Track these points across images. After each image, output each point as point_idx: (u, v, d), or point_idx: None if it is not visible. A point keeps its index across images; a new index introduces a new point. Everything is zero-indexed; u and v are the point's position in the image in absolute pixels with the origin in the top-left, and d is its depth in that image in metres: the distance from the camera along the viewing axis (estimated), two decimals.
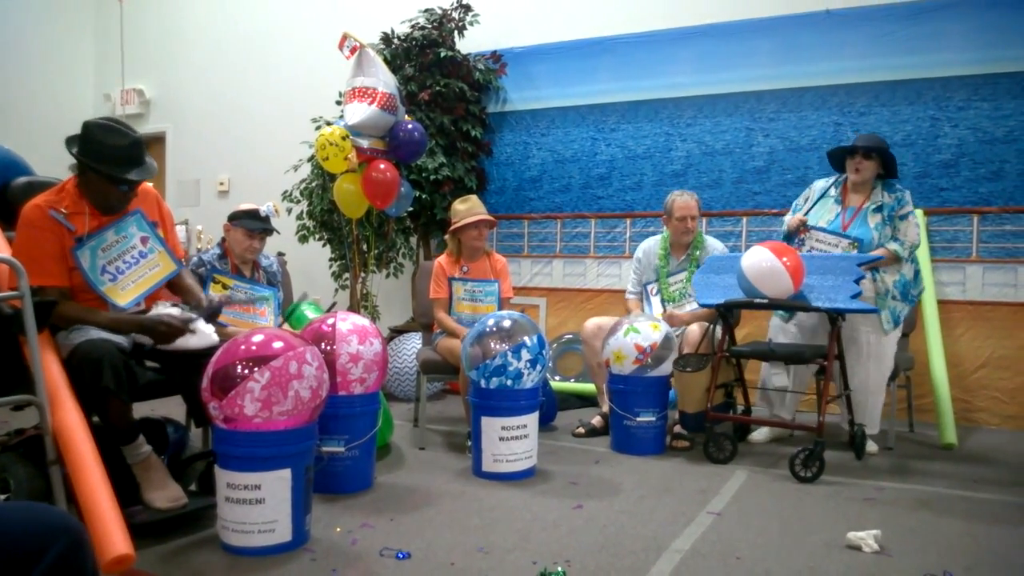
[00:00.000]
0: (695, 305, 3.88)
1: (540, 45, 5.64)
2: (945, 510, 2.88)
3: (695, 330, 3.79)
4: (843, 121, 4.80)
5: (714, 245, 4.08)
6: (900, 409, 4.18)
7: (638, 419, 3.61)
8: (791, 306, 3.49)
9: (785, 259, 3.36)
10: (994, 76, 4.49)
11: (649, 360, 3.60)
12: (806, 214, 3.79)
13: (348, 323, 2.97)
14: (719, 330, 3.69)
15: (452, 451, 3.67)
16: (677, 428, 3.80)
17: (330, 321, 2.97)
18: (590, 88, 5.50)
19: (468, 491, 3.03)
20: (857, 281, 3.40)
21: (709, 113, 5.15)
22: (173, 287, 2.86)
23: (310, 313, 3.62)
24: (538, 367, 3.19)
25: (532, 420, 3.23)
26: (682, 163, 5.23)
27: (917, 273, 3.70)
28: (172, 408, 3.06)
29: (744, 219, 5.02)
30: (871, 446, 3.70)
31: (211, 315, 2.76)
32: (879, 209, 3.66)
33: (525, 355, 3.15)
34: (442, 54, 5.31)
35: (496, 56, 5.68)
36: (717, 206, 5.08)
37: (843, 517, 2.74)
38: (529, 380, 3.16)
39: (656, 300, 4.08)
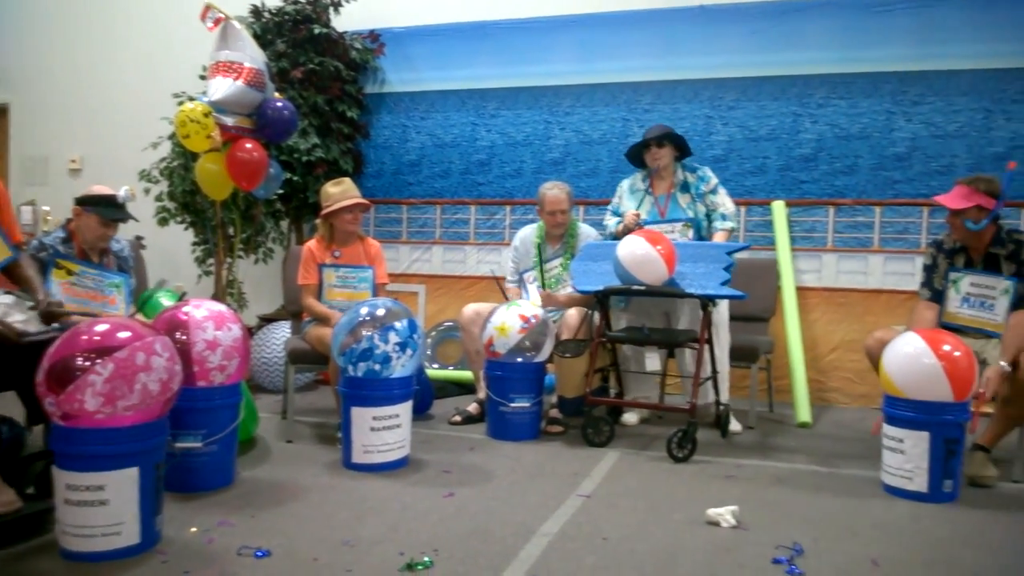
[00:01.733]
0: (569, 290, 3.94)
1: (420, 27, 5.54)
2: (799, 485, 3.04)
3: (574, 316, 3.83)
4: (713, 114, 4.97)
5: (587, 232, 4.13)
6: (761, 390, 4.38)
7: (513, 405, 3.61)
8: (664, 292, 3.58)
9: (659, 247, 3.44)
10: (851, 76, 4.75)
11: (535, 327, 3.62)
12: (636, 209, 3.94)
13: (203, 310, 2.81)
14: (596, 316, 3.75)
15: (322, 443, 3.56)
16: (552, 413, 3.84)
17: (185, 309, 2.80)
18: (471, 72, 5.45)
19: (337, 484, 2.94)
20: (727, 268, 3.53)
21: (587, 102, 5.21)
22: (10, 276, 2.62)
23: (166, 302, 3.41)
24: (408, 351, 3.11)
25: (405, 409, 3.16)
26: (561, 151, 5.27)
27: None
28: (8, 405, 2.81)
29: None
30: (735, 425, 3.87)
31: (48, 319, 2.55)
32: (685, 188, 3.89)
33: (393, 338, 3.07)
34: (316, 31, 5.12)
35: (374, 36, 5.53)
36: (595, 194, 5.15)
37: (706, 494, 2.84)
38: (399, 365, 3.09)
39: (533, 288, 4.10)
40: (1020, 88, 4.50)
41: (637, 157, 4.04)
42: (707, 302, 3.49)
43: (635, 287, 3.52)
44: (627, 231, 3.85)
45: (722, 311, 3.88)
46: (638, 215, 3.89)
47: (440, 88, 5.51)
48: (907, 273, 4.59)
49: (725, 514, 2.55)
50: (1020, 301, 3.16)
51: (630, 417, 4.01)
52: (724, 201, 3.91)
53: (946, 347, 2.84)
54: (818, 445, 3.71)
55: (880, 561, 2.27)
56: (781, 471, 3.23)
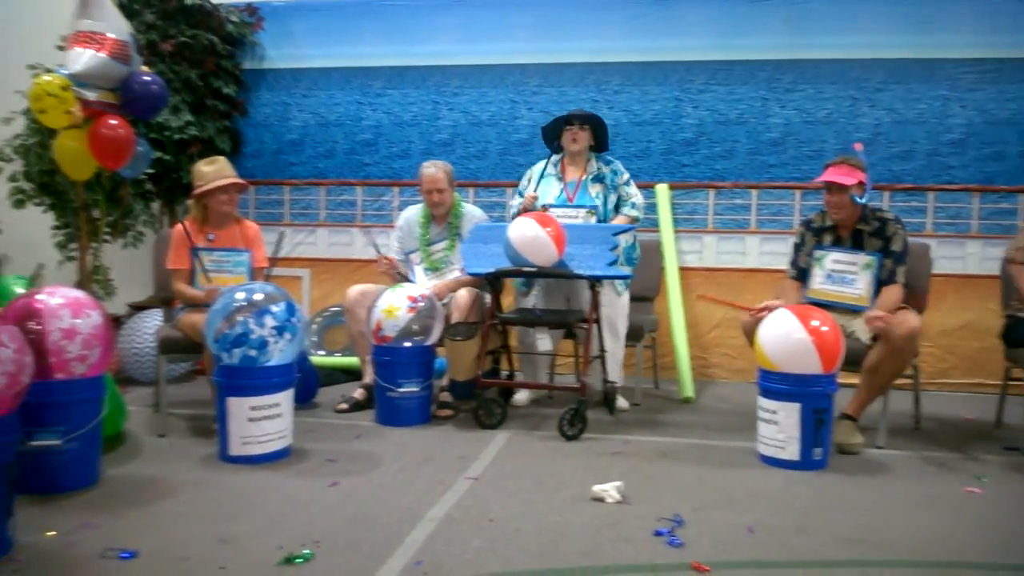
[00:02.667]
0: (457, 273, 3.91)
1: (301, 1, 5.33)
2: (681, 458, 3.13)
3: (464, 298, 3.79)
4: (599, 98, 5.02)
5: (473, 213, 4.10)
6: (646, 368, 4.50)
7: (401, 390, 3.55)
8: (555, 274, 3.60)
9: (549, 229, 3.46)
10: (729, 63, 4.91)
11: (423, 308, 3.58)
12: (537, 191, 3.93)
13: (58, 297, 2.60)
14: (487, 298, 3.74)
15: (197, 436, 3.39)
16: (443, 397, 3.80)
17: (39, 296, 2.59)
18: (356, 50, 5.30)
19: (213, 478, 2.81)
20: (613, 249, 3.58)
21: (475, 83, 5.17)
22: None
23: (19, 289, 3.15)
24: (287, 336, 2.99)
25: (286, 398, 3.05)
26: (450, 132, 5.21)
27: (635, 239, 3.99)
28: None
29: (510, 190, 5.09)
30: (622, 402, 3.95)
31: None
32: (598, 179, 3.91)
33: (270, 322, 2.94)
34: (188, 2, 4.84)
35: (252, 9, 5.29)
36: (484, 176, 5.12)
37: (592, 471, 2.88)
38: (277, 350, 2.96)
39: (419, 269, 4.04)
40: (882, 77, 4.77)
41: (551, 138, 4.02)
42: (596, 283, 3.54)
43: (525, 268, 3.52)
44: (525, 211, 3.84)
45: (625, 294, 3.93)
46: (535, 196, 3.88)
47: (323, 65, 5.33)
48: (781, 253, 4.76)
49: (610, 490, 2.60)
50: (890, 276, 3.37)
51: (521, 398, 4.03)
52: (635, 193, 3.97)
53: (815, 322, 2.98)
54: (700, 419, 3.84)
55: (755, 528, 2.36)
56: (665, 445, 3.32)
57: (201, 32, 4.92)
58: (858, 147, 3.64)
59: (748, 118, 4.90)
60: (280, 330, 2.97)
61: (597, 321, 3.62)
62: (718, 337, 4.93)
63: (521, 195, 4.04)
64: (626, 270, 3.85)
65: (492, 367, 3.89)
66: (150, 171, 4.48)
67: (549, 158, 4.05)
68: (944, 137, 4.75)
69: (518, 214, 3.85)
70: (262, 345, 2.93)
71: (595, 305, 3.56)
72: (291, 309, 3.04)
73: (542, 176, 3.99)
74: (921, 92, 4.76)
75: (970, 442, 3.49)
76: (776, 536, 2.31)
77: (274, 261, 3.68)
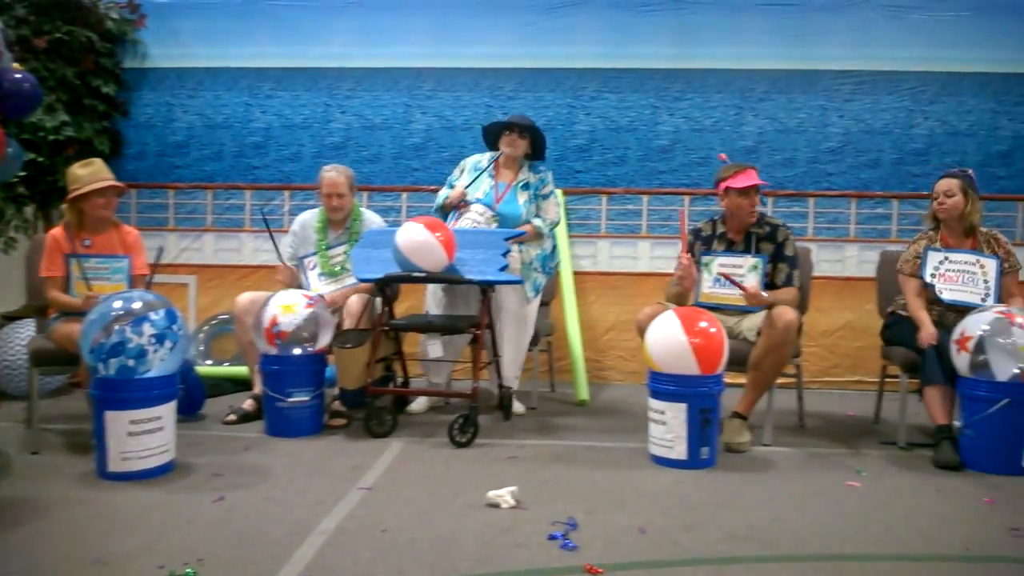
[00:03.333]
0: (355, 279, 3.82)
1: None
2: (575, 461, 3.15)
3: (355, 305, 3.71)
4: (493, 104, 5.03)
5: (372, 219, 4.03)
6: (543, 372, 4.53)
7: (291, 400, 3.44)
8: (445, 279, 3.57)
9: (438, 234, 3.43)
10: (620, 71, 5.01)
11: (316, 308, 3.51)
12: (466, 187, 3.91)
13: None
14: (379, 304, 3.67)
15: (74, 453, 3.18)
16: (335, 406, 3.71)
17: None
18: (244, 50, 5.12)
19: (90, 496, 2.64)
20: (504, 255, 3.58)
21: (369, 86, 5.08)
22: None
23: None
24: (167, 344, 2.84)
25: (168, 410, 2.90)
26: (342, 135, 5.10)
27: (555, 247, 4.04)
28: None
29: (404, 195, 5.06)
30: (518, 407, 3.95)
31: None
32: (526, 187, 3.93)
33: (148, 330, 2.79)
34: None
35: (133, 6, 5.03)
36: (378, 181, 5.04)
37: (488, 477, 2.85)
38: (156, 360, 2.81)
39: (314, 275, 3.93)
40: (765, 87, 4.98)
41: (493, 136, 4.00)
42: (486, 287, 3.53)
43: (415, 274, 3.48)
44: (450, 205, 3.84)
45: (535, 301, 3.94)
46: (464, 194, 3.86)
47: (210, 65, 5.13)
48: (671, 257, 4.88)
49: (505, 495, 2.58)
50: (787, 280, 3.54)
51: (418, 405, 3.97)
52: (548, 208, 3.98)
53: (700, 325, 3.07)
54: (594, 422, 3.88)
55: (647, 528, 2.39)
56: (560, 449, 3.34)
57: (78, 29, 4.66)
58: (722, 157, 3.83)
59: (638, 125, 5.02)
60: (160, 338, 2.82)
61: (490, 326, 3.61)
62: (612, 340, 5.01)
63: (449, 185, 4.01)
64: (543, 280, 3.88)
65: (384, 375, 3.82)
66: (23, 174, 4.20)
67: (489, 155, 4.02)
68: (823, 145, 5.00)
69: (443, 206, 3.85)
70: (140, 354, 2.78)
71: (487, 310, 3.55)
72: (171, 316, 2.89)
73: (477, 171, 3.95)
74: (802, 102, 4.99)
75: (851, 437, 3.67)
76: (666, 535, 2.35)
77: (155, 268, 3.50)
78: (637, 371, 4.84)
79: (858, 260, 4.98)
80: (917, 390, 3.41)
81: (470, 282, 3.51)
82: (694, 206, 5.00)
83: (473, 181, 3.92)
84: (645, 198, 5.04)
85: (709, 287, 3.60)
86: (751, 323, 3.46)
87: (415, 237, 3.41)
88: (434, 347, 3.66)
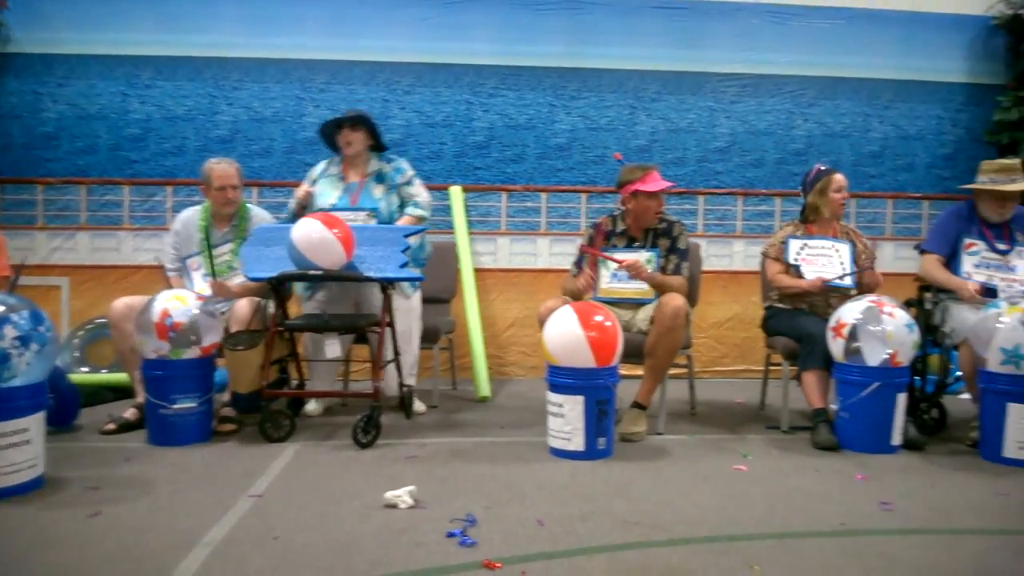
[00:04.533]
0: (243, 279, 3.67)
1: None
2: (475, 457, 3.14)
3: (244, 306, 3.57)
4: (390, 98, 4.96)
5: (260, 215, 3.88)
6: (444, 370, 4.50)
7: (176, 406, 3.27)
8: (344, 277, 3.48)
9: (336, 230, 3.32)
10: (517, 69, 5.04)
11: (209, 304, 3.39)
12: (319, 193, 3.83)
13: None
14: (271, 305, 3.54)
15: None
16: (224, 411, 3.56)
17: None
18: (120, 36, 4.86)
19: None
20: (404, 251, 3.52)
21: (258, 77, 4.92)
22: None
23: None
24: (33, 347, 2.63)
25: (35, 422, 2.69)
26: (229, 128, 4.91)
27: (424, 239, 3.96)
28: None
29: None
30: (419, 405, 3.90)
31: None
32: (380, 179, 3.85)
33: (10, 332, 2.58)
34: None
35: None
36: (268, 176, 4.89)
37: (386, 478, 2.80)
38: (22, 365, 2.60)
39: (198, 276, 3.75)
40: (657, 88, 5.11)
41: (331, 139, 3.89)
42: (387, 285, 3.46)
43: (312, 272, 3.37)
44: (301, 208, 3.72)
45: (415, 296, 3.89)
46: (310, 192, 3.76)
47: (82, 52, 4.83)
48: (569, 253, 4.97)
49: (403, 495, 2.54)
50: (676, 270, 3.64)
51: (313, 407, 3.87)
52: (420, 192, 3.92)
53: (596, 319, 3.11)
54: (495, 417, 3.88)
55: (544, 520, 2.40)
56: (460, 446, 3.32)
57: None
58: (617, 157, 3.94)
59: (536, 123, 5.06)
60: (24, 341, 2.61)
61: (390, 324, 3.55)
62: (514, 335, 5.04)
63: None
64: (416, 271, 3.81)
65: (279, 377, 3.70)
66: None
67: (331, 159, 3.93)
68: (711, 145, 5.18)
69: (295, 213, 3.73)
70: (4, 359, 2.57)
71: (387, 308, 3.49)
72: (37, 318, 2.69)
73: (325, 176, 3.88)
74: (691, 103, 5.16)
75: (738, 423, 3.82)
76: (563, 526, 2.36)
77: (19, 269, 3.25)
78: (538, 366, 4.88)
79: (744, 255, 5.18)
80: (797, 376, 3.57)
81: (370, 279, 3.43)
82: (591, 204, 5.07)
83: (319, 187, 3.84)
84: (544, 195, 5.08)
85: (608, 283, 3.66)
86: (644, 315, 3.54)
87: (313, 234, 3.29)
88: (332, 347, 3.57)
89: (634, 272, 3.50)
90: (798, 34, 5.18)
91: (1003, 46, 5.28)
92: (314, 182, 3.90)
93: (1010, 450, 3.11)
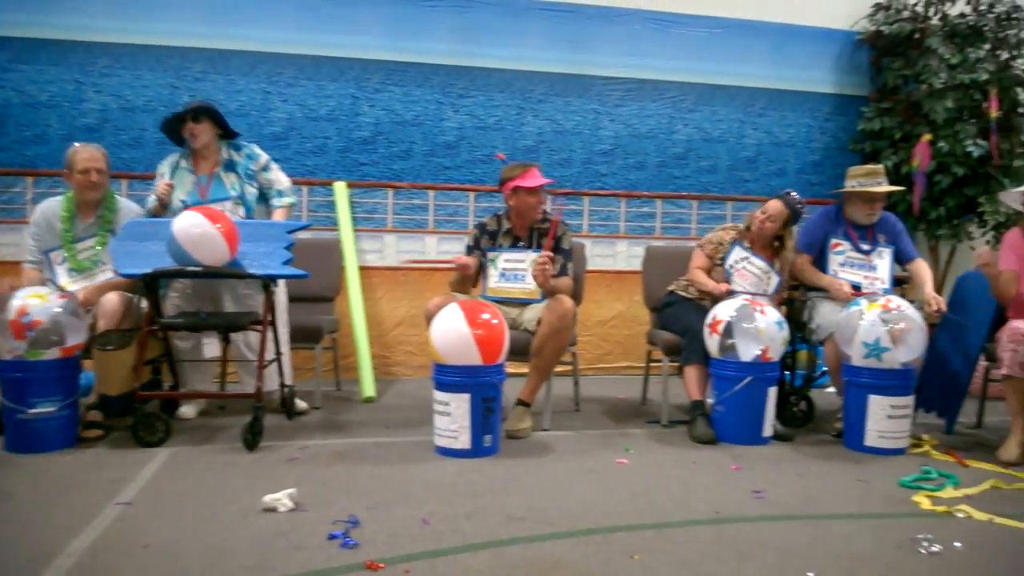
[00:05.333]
0: (110, 274, 3.46)
1: None
2: (358, 458, 3.08)
3: (114, 303, 3.36)
4: (272, 90, 4.81)
5: (129, 208, 3.67)
6: (328, 370, 4.40)
7: (34, 411, 3.05)
8: (226, 274, 3.33)
9: (219, 225, 3.17)
10: (404, 64, 4.98)
11: (67, 303, 3.18)
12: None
13: None
14: (144, 302, 3.35)
15: None
16: (91, 415, 3.34)
17: None
18: None
19: None
20: (288, 247, 3.41)
21: (129, 64, 4.66)
22: None
23: None
24: None
25: None
26: (97, 116, 4.63)
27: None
28: None
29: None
30: (301, 404, 3.80)
31: None
32: (231, 168, 3.71)
33: None
34: None
35: None
36: (139, 167, 4.62)
37: (266, 481, 2.71)
38: None
39: (62, 270, 3.51)
40: (544, 89, 5.18)
41: (175, 132, 3.69)
42: (269, 282, 3.35)
43: (191, 268, 3.20)
44: (161, 204, 3.57)
45: (281, 293, 3.77)
46: (171, 184, 3.59)
47: None
48: (458, 252, 4.98)
49: (282, 498, 2.47)
50: (562, 270, 3.68)
51: (187, 410, 3.70)
52: (279, 177, 3.78)
53: (483, 316, 3.12)
54: (381, 417, 3.83)
55: (429, 519, 2.39)
56: (344, 447, 3.25)
57: None
58: (500, 156, 4.02)
59: (424, 120, 5.02)
60: None
61: (272, 323, 3.43)
62: (401, 335, 4.98)
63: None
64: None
65: (152, 378, 3.51)
66: None
67: (180, 152, 3.74)
68: (596, 147, 5.30)
69: (153, 211, 3.58)
70: None
71: (269, 306, 3.37)
72: None
73: (176, 170, 3.70)
74: (577, 105, 5.25)
75: (621, 418, 3.92)
76: (448, 524, 2.35)
77: None
78: (425, 365, 4.79)
79: (627, 255, 5.33)
80: (678, 372, 3.70)
81: (253, 276, 3.29)
82: (479, 202, 5.09)
83: (181, 183, 3.67)
84: (432, 193, 5.05)
85: (495, 282, 3.69)
86: (532, 314, 3.58)
87: (195, 228, 3.12)
88: (210, 346, 3.42)
89: (540, 274, 3.50)
90: (678, 41, 5.37)
91: (867, 60, 5.66)
92: (162, 176, 3.70)
93: (871, 439, 3.33)
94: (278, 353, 3.55)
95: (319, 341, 3.96)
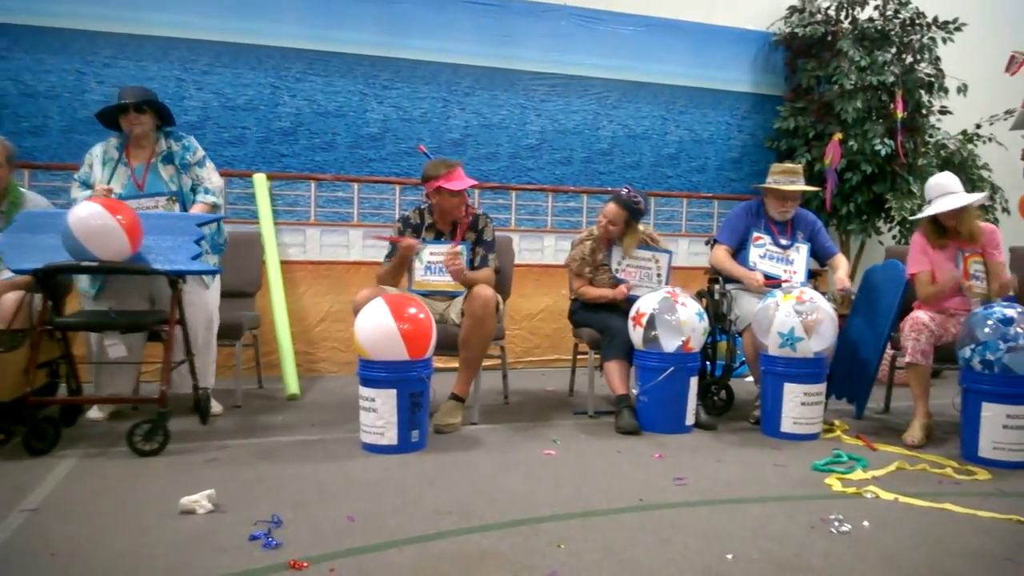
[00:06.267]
0: (9, 273, 3.27)
1: None
2: (282, 458, 3.01)
3: (6, 302, 3.18)
4: (186, 78, 4.63)
5: (36, 201, 3.48)
6: (248, 367, 4.28)
7: None
8: (127, 270, 3.17)
9: (120, 217, 3.02)
10: (327, 54, 4.88)
11: None
12: (107, 183, 3.46)
13: None
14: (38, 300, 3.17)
15: None
16: None
17: None
18: None
19: None
20: (198, 241, 3.29)
21: (30, 48, 4.41)
22: None
23: None
24: None
25: None
26: None
27: (220, 224, 3.69)
28: None
29: (75, 173, 4.45)
30: (216, 407, 3.68)
31: None
32: (169, 159, 3.57)
33: None
34: None
35: None
36: (43, 157, 4.40)
37: (183, 484, 2.60)
38: None
39: None
40: (471, 83, 5.16)
41: (110, 118, 3.52)
42: (176, 279, 3.21)
43: (86, 264, 3.04)
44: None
45: (213, 290, 3.64)
46: (110, 190, 3.39)
47: None
48: (384, 246, 4.88)
49: (201, 500, 2.38)
50: (483, 262, 3.69)
51: (98, 414, 3.54)
52: (210, 176, 3.62)
53: (409, 311, 3.09)
54: (305, 416, 3.74)
55: (355, 516, 2.35)
56: (267, 446, 3.17)
57: None
58: (422, 149, 4.03)
59: (347, 111, 4.93)
60: None
61: (181, 322, 3.29)
62: (325, 330, 4.89)
63: (84, 184, 3.51)
64: (213, 260, 3.58)
65: (49, 381, 3.32)
66: None
67: (110, 140, 3.57)
68: (523, 142, 5.31)
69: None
70: None
71: (177, 304, 3.23)
72: None
73: (106, 160, 3.52)
74: (504, 99, 5.25)
75: (549, 410, 3.95)
76: (374, 521, 2.32)
77: None
78: (351, 361, 4.78)
79: (555, 249, 5.37)
80: (601, 365, 3.75)
81: (157, 272, 3.15)
82: (404, 195, 5.03)
83: (114, 174, 3.50)
84: (356, 185, 4.97)
85: (421, 275, 3.66)
86: (457, 307, 3.57)
87: (93, 220, 2.95)
88: (116, 348, 3.26)
89: (450, 264, 3.51)
90: (603, 38, 5.43)
91: (782, 61, 5.84)
92: (92, 166, 3.52)
93: (787, 425, 3.45)
94: (189, 354, 3.41)
95: (239, 338, 3.85)
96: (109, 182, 3.46)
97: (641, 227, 3.91)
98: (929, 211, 3.58)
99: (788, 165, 3.99)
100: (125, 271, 3.20)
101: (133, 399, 3.52)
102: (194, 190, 3.59)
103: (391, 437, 3.03)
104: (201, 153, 3.63)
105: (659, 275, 3.86)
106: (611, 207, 3.81)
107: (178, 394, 3.55)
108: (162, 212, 3.42)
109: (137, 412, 3.64)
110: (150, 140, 3.54)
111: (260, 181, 4.70)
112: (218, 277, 3.66)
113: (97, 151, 3.55)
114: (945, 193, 3.54)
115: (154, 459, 2.95)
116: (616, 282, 3.85)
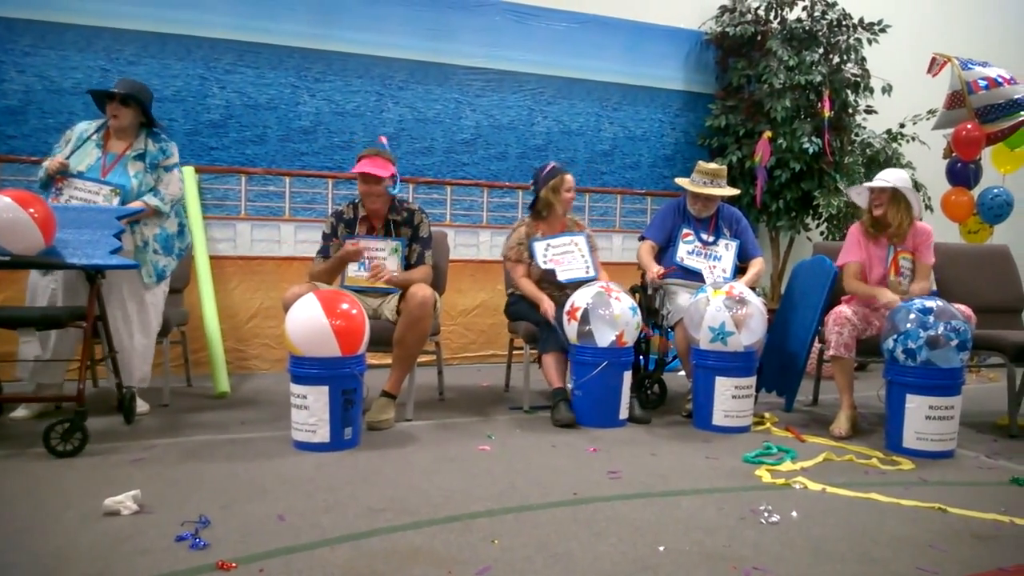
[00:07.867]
0: None
1: None
2: (211, 456, 2.94)
3: None
4: (110, 67, 4.47)
5: None
6: (177, 365, 4.17)
7: None
8: (38, 264, 3.06)
9: (32, 210, 2.89)
10: (258, 46, 4.77)
11: None
12: (67, 158, 3.40)
13: None
14: None
15: None
16: None
17: None
18: None
19: None
20: (117, 235, 3.17)
21: None
22: None
23: None
24: None
25: None
26: None
27: (182, 227, 3.66)
28: None
29: (22, 167, 4.27)
30: (142, 406, 3.57)
31: None
32: (141, 157, 3.50)
33: None
34: None
35: None
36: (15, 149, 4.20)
37: (107, 485, 2.52)
38: None
39: None
40: (404, 76, 5.12)
41: (101, 102, 3.48)
42: (94, 273, 3.10)
43: None
44: (48, 177, 3.33)
45: (158, 291, 3.55)
46: (65, 164, 3.34)
47: None
48: (316, 241, 4.81)
49: (125, 500, 2.31)
50: (419, 259, 3.68)
51: (23, 412, 3.40)
52: (169, 183, 3.52)
53: (342, 307, 3.05)
54: (235, 414, 3.67)
55: (286, 515, 2.31)
56: (195, 445, 3.09)
57: None
58: (382, 140, 3.93)
59: (279, 104, 4.84)
60: None
61: (101, 318, 3.18)
62: (256, 327, 4.79)
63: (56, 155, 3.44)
64: (165, 263, 3.51)
65: None
66: None
67: (100, 121, 3.53)
68: (458, 137, 5.29)
69: (46, 178, 3.35)
70: None
71: (95, 299, 3.12)
72: None
73: (84, 140, 3.45)
74: (438, 94, 5.22)
75: (484, 406, 3.95)
76: (306, 519, 2.29)
77: None
78: (283, 359, 4.64)
79: (490, 244, 5.37)
80: (538, 359, 3.77)
81: (72, 266, 3.03)
82: (337, 189, 4.97)
83: (76, 150, 3.43)
84: (288, 179, 4.88)
85: (354, 271, 3.62)
86: (392, 304, 3.54)
87: (4, 213, 2.81)
88: (30, 345, 3.13)
89: (376, 277, 3.49)
90: (537, 35, 5.46)
91: (713, 59, 5.97)
92: (69, 142, 3.46)
93: (718, 419, 3.53)
94: (111, 351, 3.30)
95: (167, 335, 3.74)
96: (73, 155, 3.41)
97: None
98: (856, 188, 3.77)
99: (712, 166, 4.05)
100: (38, 266, 3.09)
101: (48, 398, 3.39)
102: (154, 192, 3.51)
103: (323, 435, 2.99)
104: (173, 160, 3.57)
105: (583, 257, 3.90)
106: (568, 177, 3.90)
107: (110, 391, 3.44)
108: (79, 205, 3.30)
109: (62, 411, 3.51)
110: (130, 135, 3.51)
111: (188, 174, 4.57)
112: (167, 281, 3.61)
113: (81, 127, 3.52)
114: (881, 179, 3.68)
115: (77, 460, 2.85)
116: (546, 273, 3.85)
